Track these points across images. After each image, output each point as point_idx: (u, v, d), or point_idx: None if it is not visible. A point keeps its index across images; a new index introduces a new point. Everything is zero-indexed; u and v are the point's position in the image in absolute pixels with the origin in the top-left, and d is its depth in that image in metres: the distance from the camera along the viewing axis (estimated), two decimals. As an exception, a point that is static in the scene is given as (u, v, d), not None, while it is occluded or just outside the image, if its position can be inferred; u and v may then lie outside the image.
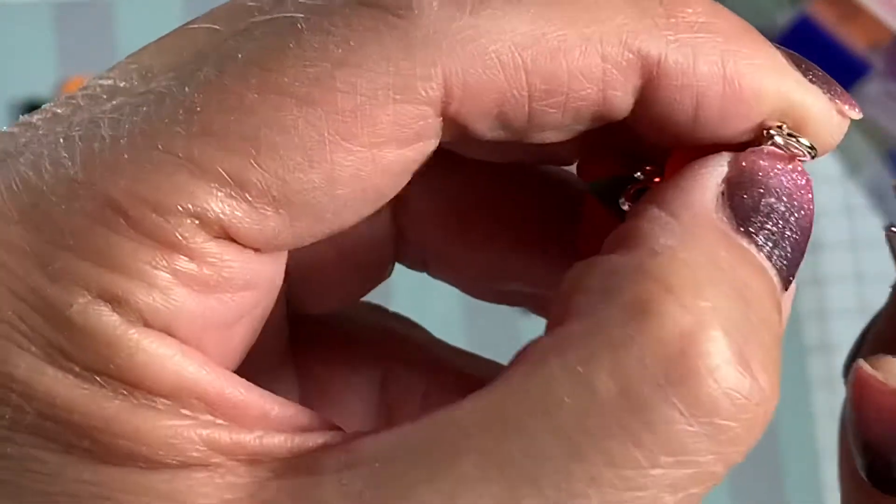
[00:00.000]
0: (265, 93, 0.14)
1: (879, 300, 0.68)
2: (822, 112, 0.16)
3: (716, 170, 0.15)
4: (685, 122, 0.15)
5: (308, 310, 0.19)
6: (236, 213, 0.14)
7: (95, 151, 0.14)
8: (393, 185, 0.15)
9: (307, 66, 0.14)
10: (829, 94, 0.16)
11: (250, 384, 0.14)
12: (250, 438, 0.14)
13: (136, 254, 0.14)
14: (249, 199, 0.14)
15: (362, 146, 0.14)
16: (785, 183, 0.15)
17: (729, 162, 0.15)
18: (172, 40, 0.15)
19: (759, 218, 0.15)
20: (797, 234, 0.15)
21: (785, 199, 0.15)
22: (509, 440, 0.13)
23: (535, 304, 0.20)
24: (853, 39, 0.59)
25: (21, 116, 0.16)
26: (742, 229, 0.15)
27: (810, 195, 0.16)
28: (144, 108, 0.14)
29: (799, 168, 0.16)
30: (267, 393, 0.15)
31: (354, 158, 0.14)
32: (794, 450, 0.60)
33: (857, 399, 0.18)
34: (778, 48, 0.16)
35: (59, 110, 0.15)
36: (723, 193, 0.15)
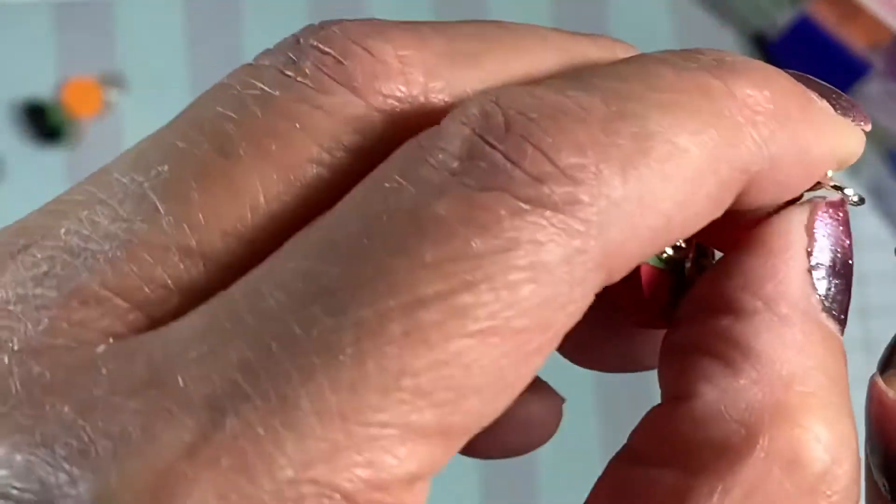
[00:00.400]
0: (456, 335, 0.13)
1: (880, 300, 0.68)
2: (860, 147, 0.16)
3: (800, 243, 0.16)
4: (765, 202, 0.16)
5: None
6: (438, 459, 0.13)
7: (303, 435, 0.12)
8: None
9: (482, 288, 0.13)
10: (854, 119, 0.16)
11: None
12: None
13: None
14: (449, 443, 0.13)
15: (535, 360, 0.13)
16: (845, 243, 0.16)
17: (804, 228, 0.16)
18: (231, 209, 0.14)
19: (833, 285, 0.16)
20: (850, 284, 0.16)
21: (844, 254, 0.16)
22: None
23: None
24: (853, 39, 0.59)
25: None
26: (831, 314, 0.16)
27: (848, 241, 0.16)
28: (315, 360, 0.13)
29: (847, 217, 0.16)
30: None
31: (527, 372, 0.14)
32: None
33: (874, 415, 0.18)
34: (821, 91, 0.16)
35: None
36: (809, 272, 0.16)
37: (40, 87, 0.60)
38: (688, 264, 0.18)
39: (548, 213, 0.13)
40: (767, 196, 0.16)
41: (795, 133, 0.15)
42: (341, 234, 0.13)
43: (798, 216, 0.16)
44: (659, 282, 0.17)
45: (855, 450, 0.15)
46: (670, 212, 0.14)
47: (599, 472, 0.15)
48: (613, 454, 0.16)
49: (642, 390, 0.60)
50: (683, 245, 0.17)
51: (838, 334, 0.16)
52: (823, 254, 0.16)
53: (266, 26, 0.62)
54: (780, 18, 0.60)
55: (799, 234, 0.16)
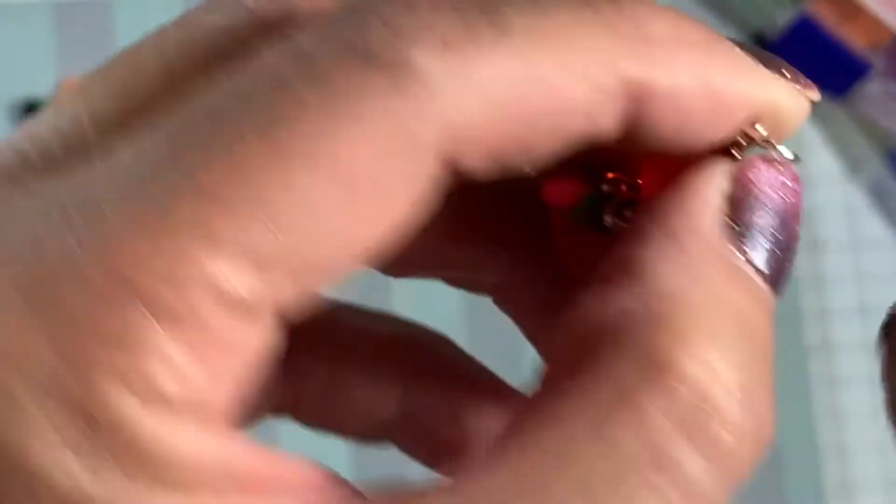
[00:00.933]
0: (269, 155, 0.13)
1: (880, 300, 0.68)
2: (793, 104, 0.16)
3: (717, 186, 0.15)
4: (668, 137, 0.15)
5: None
6: (250, 282, 0.13)
7: (94, 221, 0.13)
8: (399, 238, 0.14)
9: (309, 125, 0.13)
10: (796, 84, 0.16)
11: (269, 452, 0.14)
12: None
13: (151, 331, 0.13)
14: (263, 267, 0.13)
15: (370, 207, 0.14)
16: (784, 196, 0.16)
17: (728, 175, 0.16)
18: (124, 73, 0.15)
19: (761, 240, 0.15)
20: (791, 249, 0.16)
21: (783, 214, 0.16)
22: None
23: (499, 296, 0.20)
24: (853, 39, 0.59)
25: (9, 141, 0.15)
26: (746, 257, 0.15)
27: (801, 204, 0.16)
28: (137, 168, 0.13)
29: (794, 177, 0.16)
30: (284, 458, 0.14)
31: (364, 220, 0.14)
32: (795, 450, 0.60)
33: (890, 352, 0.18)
34: (742, 47, 0.16)
35: (33, 157, 0.14)
36: (726, 214, 0.15)
37: (40, 87, 0.60)
38: (608, 218, 0.17)
39: (386, 71, 0.13)
40: (672, 128, 0.15)
41: (696, 62, 0.15)
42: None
43: (724, 164, 0.16)
44: (575, 229, 0.17)
45: (764, 418, 0.14)
46: (530, 102, 0.14)
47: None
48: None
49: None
50: (607, 189, 0.17)
51: (762, 286, 0.15)
52: (754, 208, 0.15)
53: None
54: (780, 18, 0.60)
55: (718, 177, 0.16)
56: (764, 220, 0.15)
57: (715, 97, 0.15)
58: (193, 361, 0.13)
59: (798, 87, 0.16)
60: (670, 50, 0.15)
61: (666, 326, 0.14)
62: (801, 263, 0.64)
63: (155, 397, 0.13)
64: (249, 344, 0.14)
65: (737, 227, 0.15)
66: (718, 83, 0.15)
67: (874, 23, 0.59)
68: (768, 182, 0.16)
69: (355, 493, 0.14)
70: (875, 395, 0.68)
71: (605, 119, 0.15)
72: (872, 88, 0.60)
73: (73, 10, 0.61)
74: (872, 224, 0.65)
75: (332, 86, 0.13)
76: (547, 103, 0.14)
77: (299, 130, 0.13)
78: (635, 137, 0.15)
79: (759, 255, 0.15)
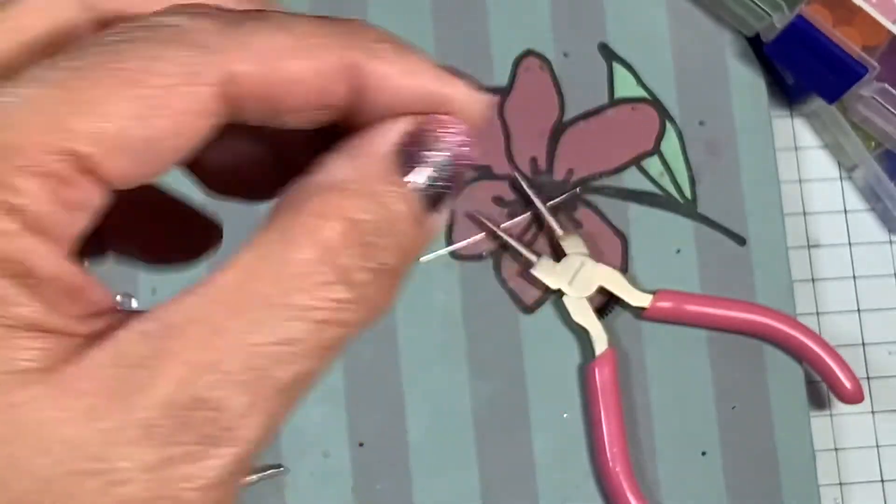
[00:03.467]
0: (109, 74, 0.19)
1: (876, 300, 0.68)
2: (465, 94, 0.22)
3: (400, 127, 0.22)
4: (383, 105, 0.22)
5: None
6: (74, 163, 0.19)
7: None
8: (189, 144, 0.20)
9: (129, 70, 0.20)
10: (467, 83, 0.23)
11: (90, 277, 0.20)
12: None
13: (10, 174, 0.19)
14: (94, 141, 0.19)
15: (169, 114, 0.20)
16: (453, 144, 0.22)
17: (412, 122, 0.22)
18: None
19: (425, 168, 0.22)
20: (452, 182, 0.22)
21: (449, 156, 0.22)
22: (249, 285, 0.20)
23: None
24: (849, 41, 0.59)
25: None
26: (406, 175, 0.21)
27: (470, 154, 0.22)
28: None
29: (467, 133, 0.22)
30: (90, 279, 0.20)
31: (164, 120, 0.20)
32: (793, 450, 0.60)
33: None
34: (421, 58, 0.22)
35: None
36: (400, 144, 0.22)
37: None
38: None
39: (186, 38, 0.20)
40: (384, 99, 0.22)
41: (397, 55, 0.22)
42: None
43: (412, 116, 0.22)
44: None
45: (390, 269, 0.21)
46: (280, 71, 0.21)
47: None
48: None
49: (640, 390, 0.61)
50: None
51: (411, 194, 0.21)
52: (425, 145, 0.22)
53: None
54: (777, 20, 0.61)
55: (403, 122, 0.22)
56: (432, 156, 0.22)
57: (412, 78, 0.22)
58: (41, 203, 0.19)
59: (473, 87, 0.23)
60: (379, 47, 0.22)
61: (314, 193, 0.21)
62: (797, 263, 0.64)
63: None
64: (77, 202, 0.20)
65: (405, 155, 0.21)
66: (414, 69, 0.22)
67: (870, 25, 0.59)
68: (442, 131, 0.22)
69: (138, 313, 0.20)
70: (871, 395, 0.68)
71: (335, 88, 0.21)
72: (868, 90, 0.60)
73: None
74: (868, 224, 0.65)
75: (143, 44, 0.20)
76: (293, 73, 0.21)
77: (122, 76, 0.20)
78: (361, 109, 0.22)
79: (419, 177, 0.21)
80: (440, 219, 0.22)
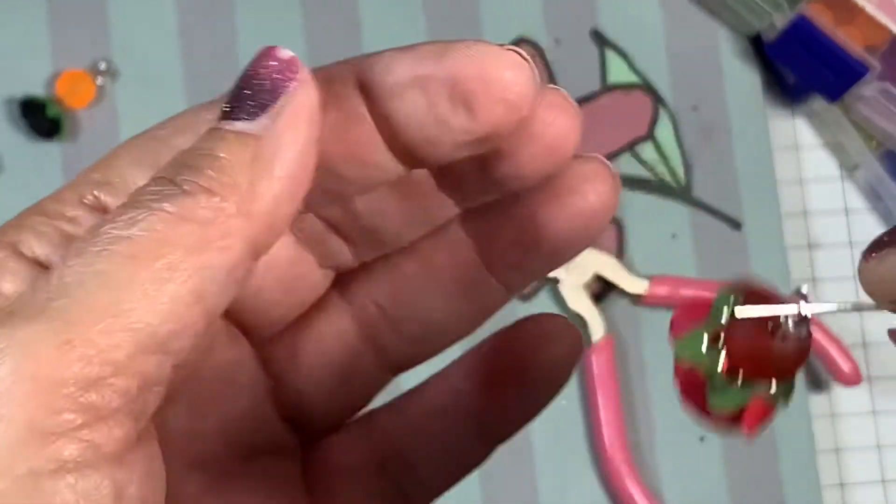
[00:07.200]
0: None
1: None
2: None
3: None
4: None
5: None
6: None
7: None
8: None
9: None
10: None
11: None
12: None
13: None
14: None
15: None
16: (271, 75, 0.21)
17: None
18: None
19: (244, 107, 0.21)
20: (259, 99, 0.21)
21: (266, 86, 0.21)
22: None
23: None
24: (851, 41, 0.59)
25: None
26: (230, 119, 0.21)
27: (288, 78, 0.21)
28: None
29: (292, 66, 0.21)
30: None
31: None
32: (793, 450, 0.60)
33: None
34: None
35: None
36: (224, 104, 0.21)
37: (34, 81, 0.60)
38: None
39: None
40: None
41: (404, 65, 0.22)
42: None
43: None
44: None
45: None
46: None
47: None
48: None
49: (637, 377, 0.61)
50: None
51: (241, 126, 0.21)
52: (243, 87, 0.21)
53: (258, 17, 0.62)
54: (778, 20, 0.61)
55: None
56: (249, 92, 0.21)
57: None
58: None
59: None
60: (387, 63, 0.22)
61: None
62: (797, 263, 0.64)
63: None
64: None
65: (230, 97, 0.21)
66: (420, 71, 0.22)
67: (871, 24, 0.59)
68: (262, 67, 0.21)
69: None
70: (871, 394, 0.68)
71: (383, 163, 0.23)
72: (869, 90, 0.60)
73: (67, 3, 0.61)
74: (869, 224, 0.65)
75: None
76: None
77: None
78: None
79: (236, 110, 0.21)
80: (252, 126, 0.21)
